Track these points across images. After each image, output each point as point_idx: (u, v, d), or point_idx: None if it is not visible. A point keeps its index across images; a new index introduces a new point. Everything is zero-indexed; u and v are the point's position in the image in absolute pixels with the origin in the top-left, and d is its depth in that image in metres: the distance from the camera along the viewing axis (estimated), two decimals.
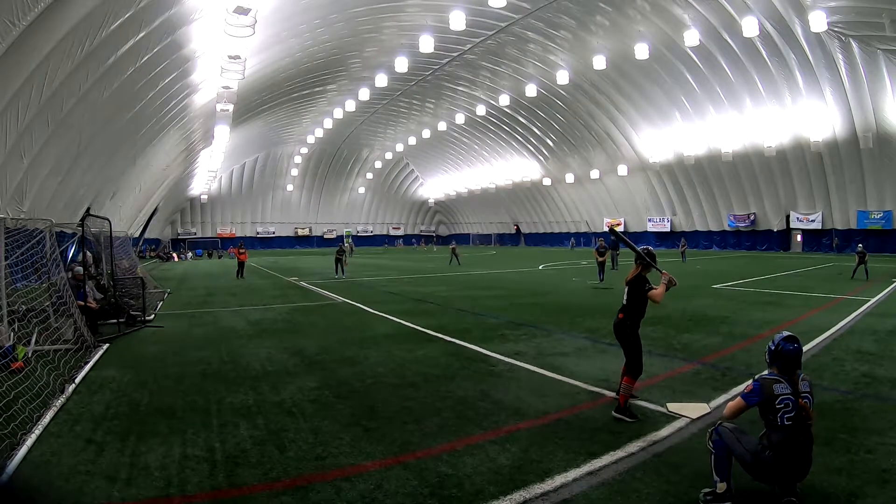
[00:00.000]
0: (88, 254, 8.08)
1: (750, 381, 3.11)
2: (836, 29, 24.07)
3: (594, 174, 46.38)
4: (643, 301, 4.46)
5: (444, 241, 78.11)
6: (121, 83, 15.15)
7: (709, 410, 4.47)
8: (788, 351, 2.99)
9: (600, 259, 16.61)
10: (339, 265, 19.75)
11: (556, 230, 57.13)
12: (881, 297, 11.91)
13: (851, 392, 4.96)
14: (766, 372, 3.06)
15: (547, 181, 52.02)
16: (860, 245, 17.34)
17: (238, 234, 60.42)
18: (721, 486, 2.95)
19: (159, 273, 25.23)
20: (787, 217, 36.30)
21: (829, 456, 3.54)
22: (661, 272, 4.43)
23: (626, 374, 4.42)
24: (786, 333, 3.09)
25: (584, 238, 51.61)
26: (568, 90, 36.88)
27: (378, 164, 65.72)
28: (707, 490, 3.00)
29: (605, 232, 45.75)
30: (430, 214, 79.21)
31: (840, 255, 30.90)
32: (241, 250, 21.56)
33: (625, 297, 4.55)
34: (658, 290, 4.39)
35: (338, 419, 4.41)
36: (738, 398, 3.09)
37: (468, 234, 73.15)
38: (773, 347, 3.07)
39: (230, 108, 23.66)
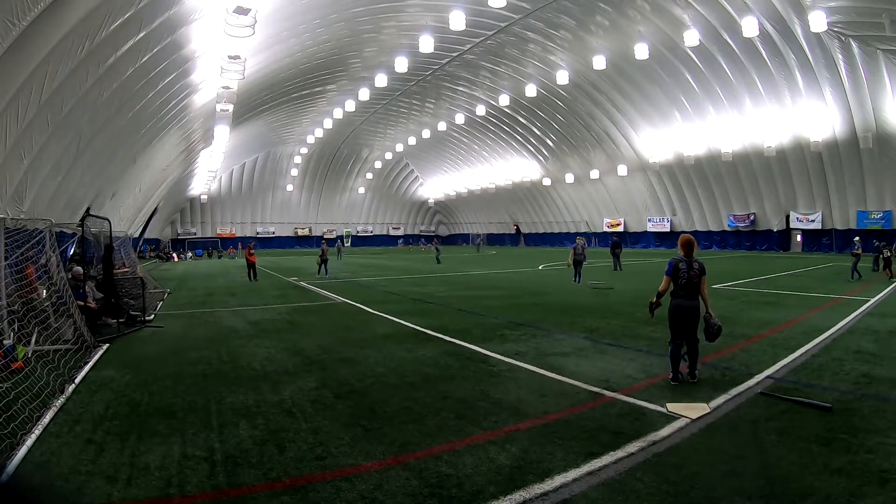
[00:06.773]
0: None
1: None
2: (835, 29, 24.06)
3: (594, 174, 46.33)
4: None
5: (444, 240, 78.13)
6: (121, 83, 15.12)
7: (708, 410, 4.46)
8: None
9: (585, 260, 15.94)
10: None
11: (556, 230, 57.09)
12: (881, 297, 11.91)
13: (851, 392, 4.95)
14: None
15: (547, 181, 51.97)
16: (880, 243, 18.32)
17: (238, 234, 60.42)
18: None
19: (159, 273, 25.23)
20: (787, 217, 36.28)
21: (829, 456, 3.54)
22: None
23: None
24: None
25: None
26: (568, 90, 36.85)
27: (378, 164, 65.67)
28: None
29: (603, 232, 45.78)
30: (430, 214, 79.17)
31: (840, 254, 30.87)
32: (251, 251, 20.03)
33: None
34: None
35: (338, 419, 4.41)
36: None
37: (468, 234, 73.09)
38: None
39: (230, 108, 23.64)
